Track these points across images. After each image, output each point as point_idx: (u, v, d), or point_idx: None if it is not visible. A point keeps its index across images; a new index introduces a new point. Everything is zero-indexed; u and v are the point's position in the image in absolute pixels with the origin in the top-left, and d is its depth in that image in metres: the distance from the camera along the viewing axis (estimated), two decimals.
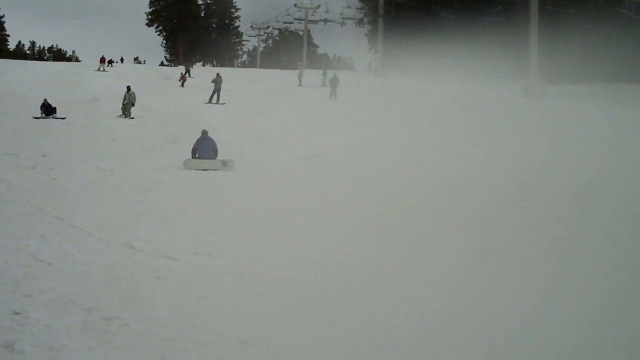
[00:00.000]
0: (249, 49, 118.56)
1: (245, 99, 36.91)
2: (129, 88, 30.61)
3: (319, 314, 8.46)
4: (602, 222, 12.48)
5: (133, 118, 28.98)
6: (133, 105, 29.80)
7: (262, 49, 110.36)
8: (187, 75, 48.72)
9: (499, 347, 7.35)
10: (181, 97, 37.82)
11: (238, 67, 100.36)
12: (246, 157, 20.45)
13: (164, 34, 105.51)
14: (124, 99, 29.90)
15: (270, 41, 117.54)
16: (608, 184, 15.66)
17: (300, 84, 47.48)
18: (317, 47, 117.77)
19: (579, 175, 16.70)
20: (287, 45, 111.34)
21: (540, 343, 7.45)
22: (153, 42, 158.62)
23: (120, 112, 29.61)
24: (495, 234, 11.93)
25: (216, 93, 35.40)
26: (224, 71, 52.77)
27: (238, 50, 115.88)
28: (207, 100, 35.30)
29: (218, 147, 19.86)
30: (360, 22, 78.80)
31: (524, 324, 7.83)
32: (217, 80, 35.65)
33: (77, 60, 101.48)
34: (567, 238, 11.39)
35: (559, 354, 7.31)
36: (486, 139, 23.16)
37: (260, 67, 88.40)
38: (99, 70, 55.27)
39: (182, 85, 44.01)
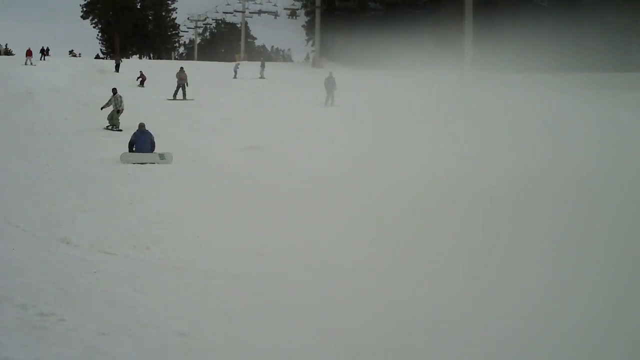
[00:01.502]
0: (185, 42, 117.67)
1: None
2: (114, 91, 25.57)
3: (258, 304, 8.52)
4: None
5: (121, 130, 23.65)
6: (119, 112, 24.57)
7: (199, 41, 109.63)
8: (116, 70, 47.54)
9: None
10: (119, 90, 37.34)
11: (175, 59, 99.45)
12: (184, 150, 20.33)
13: (100, 26, 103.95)
14: (108, 105, 25.06)
15: (207, 33, 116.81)
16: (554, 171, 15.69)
17: (235, 77, 47.24)
18: (255, 39, 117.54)
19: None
20: (224, 38, 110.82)
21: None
22: (88, 34, 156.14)
23: (108, 123, 24.54)
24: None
25: (180, 89, 33.97)
26: (161, 64, 52.33)
27: (175, 42, 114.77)
28: (172, 97, 33.74)
29: (156, 140, 19.74)
30: (293, 14, 78.83)
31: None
32: (182, 76, 34.34)
33: (10, 53, 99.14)
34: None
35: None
36: (427, 129, 23.09)
37: (198, 60, 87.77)
38: (26, 64, 50.60)
39: (142, 84, 39.41)
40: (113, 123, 24.44)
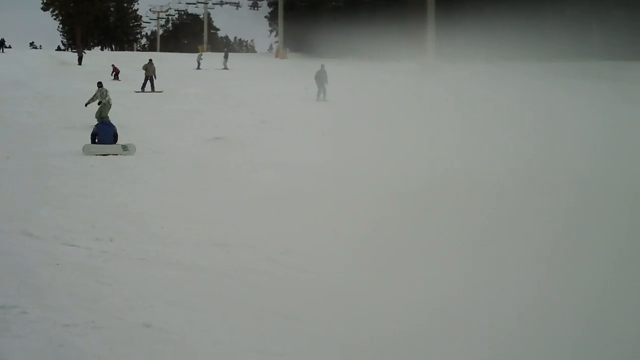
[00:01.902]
0: (147, 33, 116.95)
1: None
2: (100, 84, 23.56)
3: (225, 296, 8.50)
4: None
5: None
6: (101, 104, 22.27)
7: (162, 32, 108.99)
8: (79, 63, 47.09)
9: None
10: (79, 82, 36.99)
11: (138, 50, 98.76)
12: (148, 141, 20.24)
13: (60, 18, 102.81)
14: (93, 99, 23.05)
15: (170, 25, 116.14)
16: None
17: (198, 68, 47.08)
18: (218, 30, 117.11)
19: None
20: (187, 29, 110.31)
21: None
22: (49, 26, 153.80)
23: (96, 121, 21.32)
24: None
25: (149, 81, 33.79)
26: (124, 55, 51.86)
27: (137, 34, 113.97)
28: (140, 89, 33.56)
29: (120, 132, 19.61)
30: (255, 4, 78.91)
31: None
32: (149, 68, 34.03)
33: None
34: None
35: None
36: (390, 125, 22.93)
37: (161, 51, 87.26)
38: None
39: (117, 77, 38.89)
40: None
